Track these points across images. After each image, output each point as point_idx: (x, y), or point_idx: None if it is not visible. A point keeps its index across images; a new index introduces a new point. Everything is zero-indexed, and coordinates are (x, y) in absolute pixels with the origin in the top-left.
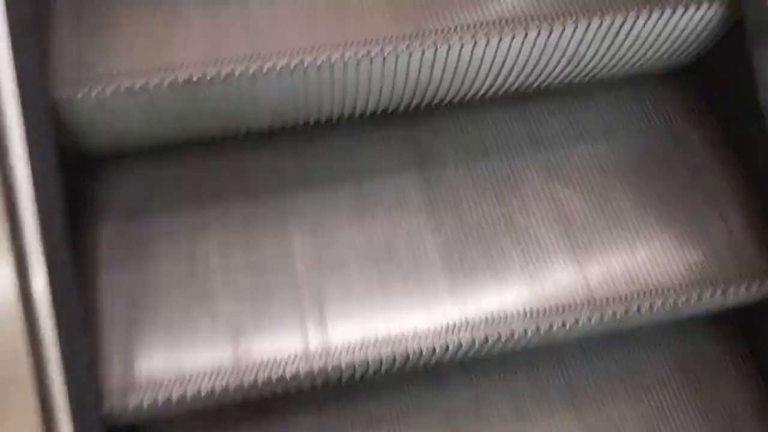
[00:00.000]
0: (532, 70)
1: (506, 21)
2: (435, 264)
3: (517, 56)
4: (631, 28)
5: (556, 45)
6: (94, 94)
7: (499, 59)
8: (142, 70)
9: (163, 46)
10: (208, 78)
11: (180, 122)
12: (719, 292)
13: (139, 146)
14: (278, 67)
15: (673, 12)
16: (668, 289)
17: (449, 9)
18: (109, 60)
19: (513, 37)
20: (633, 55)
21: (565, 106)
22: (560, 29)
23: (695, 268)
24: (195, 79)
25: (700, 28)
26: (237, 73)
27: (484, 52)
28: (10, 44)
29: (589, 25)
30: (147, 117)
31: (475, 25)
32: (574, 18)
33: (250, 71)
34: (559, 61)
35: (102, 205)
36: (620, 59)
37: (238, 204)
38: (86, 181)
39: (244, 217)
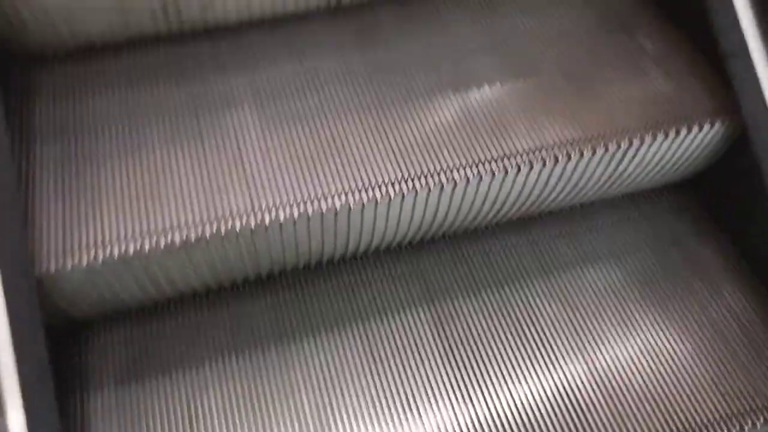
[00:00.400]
0: (536, 199)
1: (510, 155)
2: (451, 411)
3: (522, 187)
4: (636, 154)
5: (561, 174)
6: (84, 263)
7: (504, 192)
8: (134, 235)
9: (155, 205)
10: (207, 237)
11: (173, 281)
12: None
13: (130, 307)
14: (281, 219)
15: (677, 135)
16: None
17: (449, 149)
18: (98, 226)
19: (518, 171)
20: (637, 177)
21: (570, 229)
22: (565, 160)
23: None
24: (193, 239)
25: (702, 147)
26: (237, 229)
27: (489, 187)
28: None
29: (594, 153)
30: (139, 280)
31: (478, 162)
32: (579, 147)
33: (251, 226)
34: (564, 188)
35: (93, 371)
36: (624, 181)
37: (239, 358)
38: (75, 347)
39: (245, 372)
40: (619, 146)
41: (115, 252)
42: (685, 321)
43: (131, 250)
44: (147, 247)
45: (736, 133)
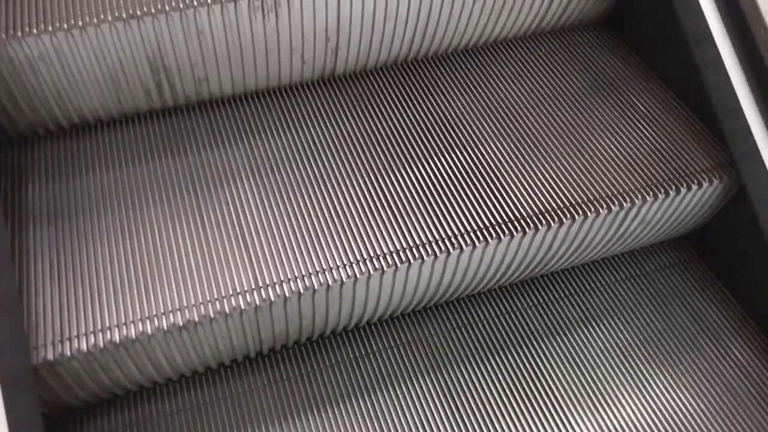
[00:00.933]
0: (540, 261)
1: (512, 220)
2: None
3: (527, 251)
4: (637, 213)
5: (565, 236)
6: (83, 350)
7: (508, 256)
8: (135, 318)
9: (155, 286)
10: (211, 316)
11: (175, 363)
12: None
13: (129, 390)
14: (286, 294)
15: (677, 193)
16: None
17: (451, 215)
18: (97, 310)
19: (523, 235)
20: (639, 236)
21: (574, 289)
22: (570, 222)
23: None
24: (196, 319)
25: (702, 203)
26: (241, 306)
27: (493, 252)
28: None
29: (597, 213)
30: (140, 364)
31: (481, 228)
32: (581, 209)
33: (256, 302)
34: (567, 250)
35: None
36: (627, 240)
37: None
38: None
39: None
40: (621, 206)
41: (116, 337)
42: (696, 379)
43: (132, 334)
44: (149, 330)
45: (734, 188)
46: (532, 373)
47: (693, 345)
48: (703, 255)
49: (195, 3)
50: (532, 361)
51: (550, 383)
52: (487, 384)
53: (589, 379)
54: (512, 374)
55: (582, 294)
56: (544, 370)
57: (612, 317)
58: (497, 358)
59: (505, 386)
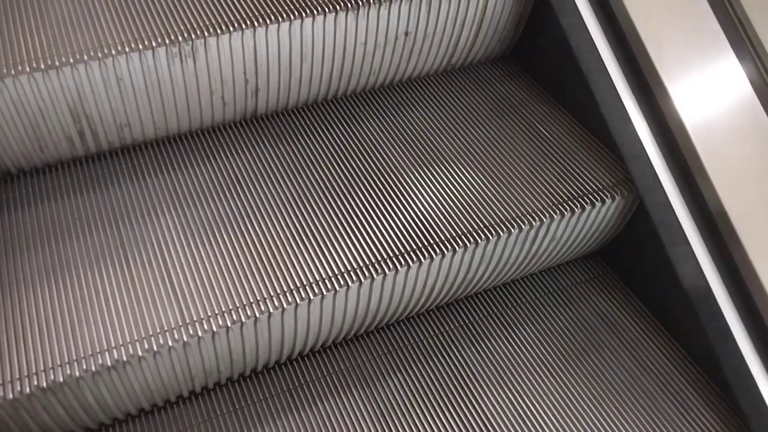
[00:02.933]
0: (462, 281)
1: (431, 244)
2: None
3: (447, 273)
4: (547, 231)
5: (482, 256)
6: (9, 397)
7: (431, 278)
8: (62, 361)
9: (82, 328)
10: (139, 355)
11: (106, 406)
12: None
13: None
14: (213, 329)
15: (582, 210)
16: None
17: (372, 243)
18: (22, 355)
19: (443, 257)
20: (551, 253)
21: (497, 308)
22: (484, 242)
23: None
24: (125, 358)
25: (606, 219)
26: (169, 343)
27: (416, 274)
28: None
29: (509, 233)
30: (70, 409)
31: (402, 253)
32: (496, 230)
33: (183, 339)
34: (486, 270)
35: None
36: (541, 258)
37: None
38: None
39: None
40: (531, 225)
41: (43, 382)
42: (614, 386)
43: (60, 377)
44: (77, 372)
45: (635, 203)
46: (462, 394)
47: (610, 353)
48: (616, 268)
49: (113, 51)
50: (461, 381)
51: (480, 402)
52: (419, 405)
53: (518, 398)
54: (443, 397)
55: (505, 312)
56: (473, 389)
57: (533, 330)
58: (427, 379)
59: (435, 407)
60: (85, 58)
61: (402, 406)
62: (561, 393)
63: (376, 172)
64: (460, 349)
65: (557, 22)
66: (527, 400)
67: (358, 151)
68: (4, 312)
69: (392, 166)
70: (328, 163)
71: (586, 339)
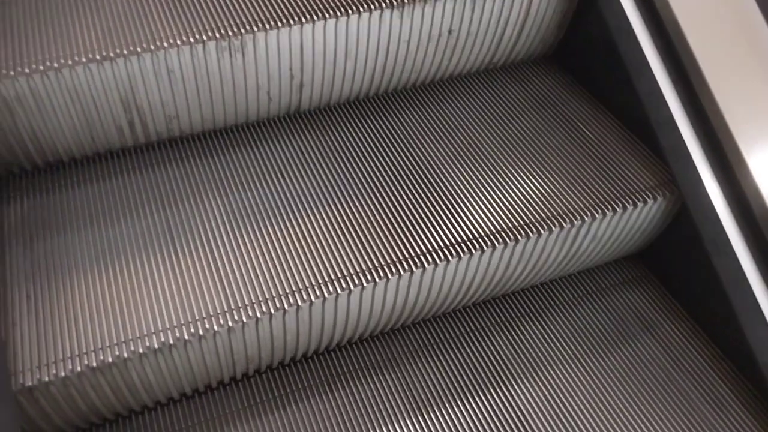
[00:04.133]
0: (500, 279)
1: (471, 239)
2: None
3: (486, 269)
4: (588, 230)
5: (521, 254)
6: (61, 375)
7: (469, 274)
8: (111, 343)
9: (131, 312)
10: (185, 339)
11: (150, 388)
12: None
13: (105, 418)
14: (258, 315)
15: (624, 210)
16: None
17: (414, 235)
18: (74, 337)
19: (482, 253)
20: (591, 253)
21: (534, 307)
22: (525, 240)
23: None
24: (171, 342)
25: (648, 220)
26: (215, 328)
27: (455, 270)
28: None
29: (550, 232)
30: (117, 389)
31: (442, 247)
32: (537, 228)
33: (229, 324)
34: (525, 268)
35: None
36: (581, 258)
37: None
38: None
39: None
40: (572, 224)
41: (93, 361)
42: (651, 387)
43: (109, 358)
44: (125, 353)
45: (677, 205)
46: (498, 390)
47: (646, 353)
48: (655, 271)
49: (165, 44)
50: (498, 379)
51: (516, 398)
52: (456, 401)
53: (554, 395)
54: (479, 393)
55: (542, 311)
56: (509, 387)
57: (569, 330)
58: (464, 376)
59: (471, 403)
60: (138, 50)
61: (438, 400)
62: (596, 390)
63: (418, 167)
64: (496, 345)
65: (602, 22)
66: (562, 397)
67: (399, 147)
68: (56, 297)
69: (433, 162)
70: (370, 158)
71: (623, 339)
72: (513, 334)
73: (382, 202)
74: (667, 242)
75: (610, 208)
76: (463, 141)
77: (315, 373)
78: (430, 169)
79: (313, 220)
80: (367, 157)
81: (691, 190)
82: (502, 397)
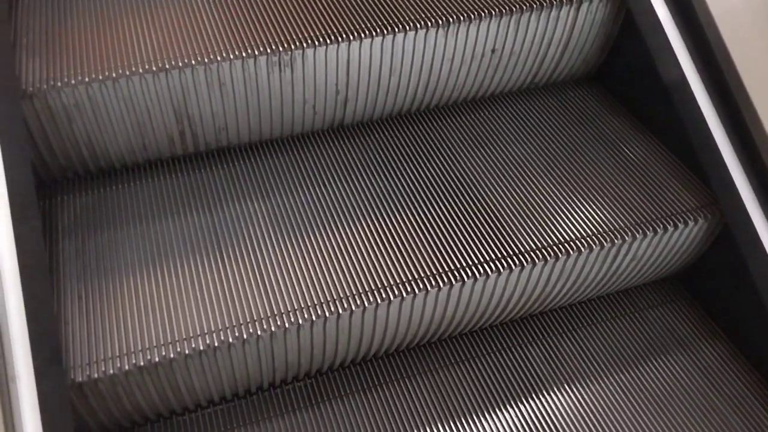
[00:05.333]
0: (538, 296)
1: (514, 254)
2: None
3: (526, 284)
4: (628, 250)
5: (561, 271)
6: (110, 373)
7: (508, 289)
8: (158, 343)
9: (177, 314)
10: (230, 342)
11: (192, 389)
12: None
13: (147, 417)
14: (299, 322)
15: (665, 231)
16: None
17: (455, 249)
18: (122, 336)
19: (522, 268)
20: (631, 273)
21: (572, 325)
22: (564, 257)
23: None
24: (216, 345)
25: (689, 241)
26: (258, 333)
27: (494, 284)
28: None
29: (591, 250)
30: (161, 389)
31: (482, 262)
32: (576, 245)
33: (271, 329)
34: (564, 285)
35: None
36: (620, 277)
37: None
38: None
39: None
40: (612, 243)
41: (140, 361)
42: (691, 411)
43: (155, 358)
44: (171, 354)
45: (719, 227)
46: (532, 404)
47: (685, 377)
48: (694, 293)
49: (218, 58)
50: (532, 392)
51: (549, 413)
52: (489, 414)
53: (588, 411)
54: (513, 406)
55: (580, 330)
56: (543, 400)
57: (607, 349)
58: (500, 391)
59: (504, 416)
60: (193, 62)
61: (473, 412)
62: (631, 410)
63: (459, 181)
64: (533, 362)
65: (644, 44)
66: (597, 415)
67: (441, 160)
68: (106, 298)
69: (475, 177)
70: (412, 171)
71: (660, 360)
72: (549, 350)
73: (424, 215)
74: (708, 264)
75: (651, 228)
76: (505, 156)
77: (352, 382)
78: (472, 183)
79: (355, 230)
80: (410, 170)
81: (732, 212)
82: (537, 411)
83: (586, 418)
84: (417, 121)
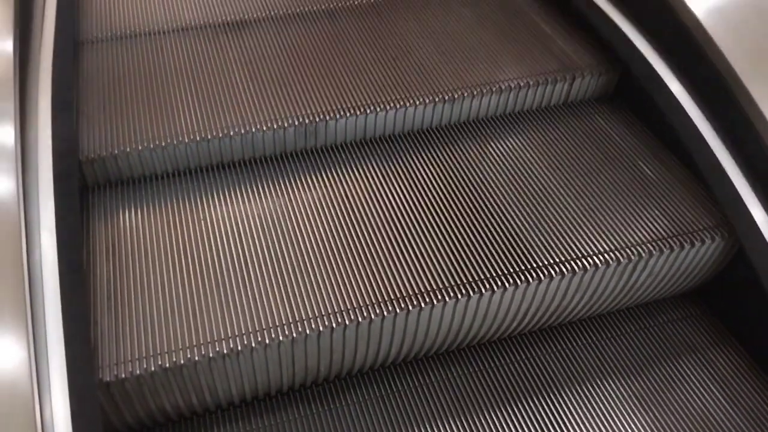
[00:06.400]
0: (555, 309)
1: (529, 269)
2: None
3: (543, 298)
4: (645, 266)
5: (578, 286)
6: (137, 373)
7: (525, 303)
8: (182, 347)
9: (203, 318)
10: (252, 346)
11: (215, 392)
12: None
13: (170, 418)
14: (320, 329)
15: (681, 248)
16: None
17: (474, 262)
18: (149, 341)
19: (539, 282)
20: (648, 288)
21: (593, 339)
22: (582, 272)
23: None
24: (239, 348)
25: (705, 259)
26: (279, 338)
27: (512, 297)
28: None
29: (607, 266)
30: (184, 390)
31: (500, 275)
32: (593, 260)
33: (292, 335)
34: (582, 298)
35: None
36: (638, 292)
37: None
38: None
39: None
40: (629, 259)
41: (165, 362)
42: (708, 426)
43: (180, 360)
44: (195, 356)
45: (735, 246)
46: (551, 418)
47: (703, 391)
48: (714, 309)
49: (253, 129)
50: (552, 406)
51: (569, 429)
52: (508, 426)
53: (605, 422)
54: (532, 419)
55: (599, 342)
56: (562, 416)
57: (627, 365)
58: (518, 401)
59: (524, 429)
60: (230, 133)
61: (491, 423)
62: (651, 424)
63: (482, 199)
64: (551, 373)
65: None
66: (616, 428)
67: (461, 176)
68: (134, 299)
69: (494, 191)
70: (433, 185)
71: (680, 376)
72: (568, 362)
73: (444, 228)
74: (725, 281)
75: (667, 245)
76: (523, 172)
77: (370, 389)
78: (491, 197)
79: (375, 241)
80: (430, 184)
81: (746, 232)
82: (554, 421)
83: (602, 427)
84: (437, 137)
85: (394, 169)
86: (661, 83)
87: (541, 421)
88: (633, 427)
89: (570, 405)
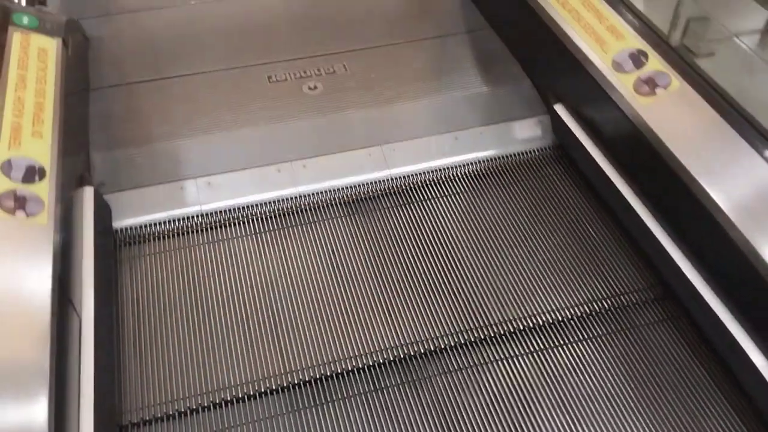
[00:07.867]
0: None
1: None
2: None
3: None
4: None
5: None
6: (156, 417)
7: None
8: (194, 394)
9: (212, 371)
10: (251, 395)
11: None
12: None
13: None
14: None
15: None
16: None
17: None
18: (170, 385)
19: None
20: None
21: (566, 340)
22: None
23: None
24: (240, 396)
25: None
26: (274, 388)
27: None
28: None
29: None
30: None
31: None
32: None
33: (285, 385)
34: None
35: None
36: None
37: None
38: None
39: None
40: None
41: (181, 407)
42: (676, 426)
43: (193, 405)
44: (205, 403)
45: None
46: (524, 417)
47: (673, 391)
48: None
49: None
50: (524, 406)
51: (540, 426)
52: (483, 425)
53: (578, 425)
54: (506, 417)
55: (574, 344)
56: (535, 415)
57: (601, 363)
58: (494, 401)
59: (498, 427)
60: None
61: (465, 421)
62: (621, 425)
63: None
64: (524, 373)
65: None
66: (587, 430)
67: (427, 232)
68: (157, 350)
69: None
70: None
71: (652, 376)
72: (542, 363)
73: (413, 283)
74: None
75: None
76: (487, 234)
77: (356, 385)
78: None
79: (355, 297)
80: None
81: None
82: (527, 423)
83: (572, 428)
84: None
85: (377, 240)
86: None
87: (514, 418)
88: (601, 423)
89: (541, 400)
